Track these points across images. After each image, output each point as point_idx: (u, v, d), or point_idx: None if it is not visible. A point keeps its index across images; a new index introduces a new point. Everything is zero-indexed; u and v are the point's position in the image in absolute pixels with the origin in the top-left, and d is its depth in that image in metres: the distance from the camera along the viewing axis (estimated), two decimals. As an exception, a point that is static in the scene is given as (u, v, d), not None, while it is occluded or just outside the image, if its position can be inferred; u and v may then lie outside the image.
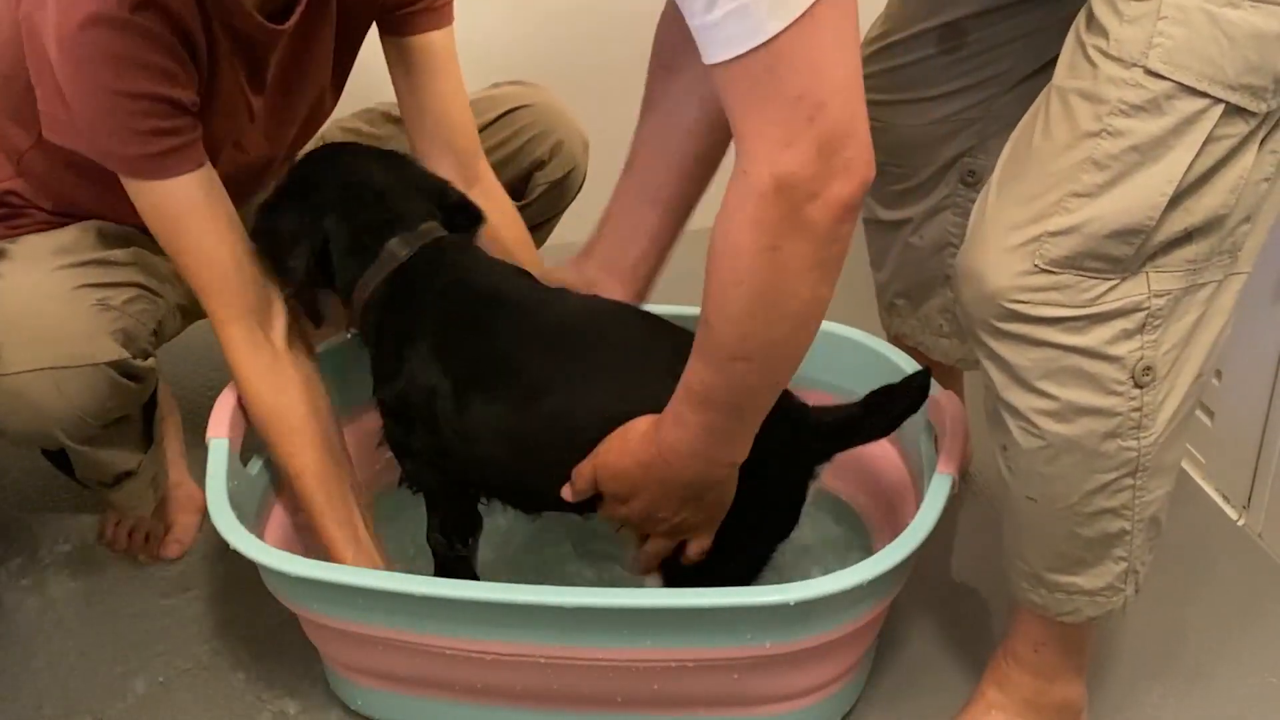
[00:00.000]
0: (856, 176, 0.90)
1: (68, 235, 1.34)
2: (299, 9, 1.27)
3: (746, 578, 1.25)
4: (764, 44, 0.86)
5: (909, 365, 1.39)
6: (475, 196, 1.38)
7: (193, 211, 1.24)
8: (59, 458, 1.40)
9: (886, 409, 1.19)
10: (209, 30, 1.22)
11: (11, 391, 1.23)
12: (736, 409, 1.05)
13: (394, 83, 1.42)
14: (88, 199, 1.34)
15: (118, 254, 1.33)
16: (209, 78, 1.25)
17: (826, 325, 1.43)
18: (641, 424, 1.12)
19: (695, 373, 1.03)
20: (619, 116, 1.33)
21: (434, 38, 1.39)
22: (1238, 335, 1.50)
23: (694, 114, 1.23)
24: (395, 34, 1.39)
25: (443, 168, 1.39)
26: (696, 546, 1.19)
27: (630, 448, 1.12)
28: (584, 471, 1.16)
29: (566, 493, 1.18)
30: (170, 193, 1.23)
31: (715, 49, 0.89)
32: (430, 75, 1.40)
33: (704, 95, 1.19)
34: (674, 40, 1.20)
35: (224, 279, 1.27)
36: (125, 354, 1.27)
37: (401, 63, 1.40)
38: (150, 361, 1.32)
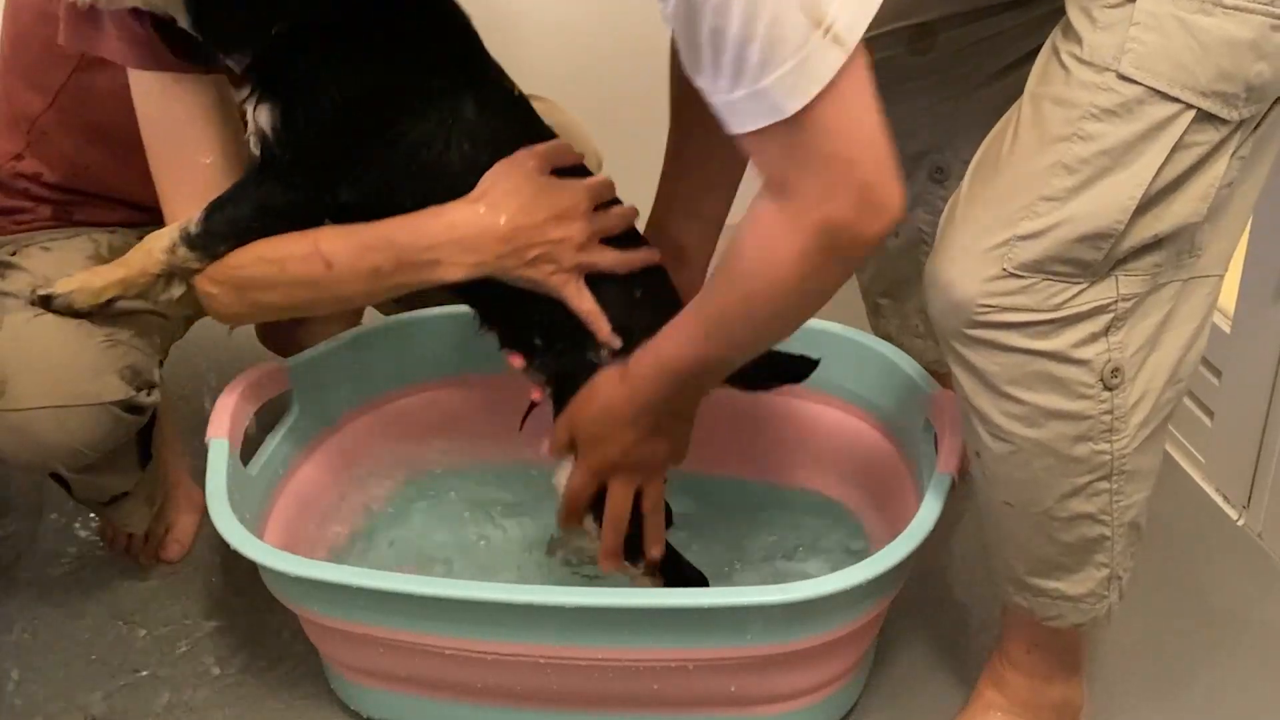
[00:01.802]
0: (888, 215, 0.94)
1: (77, 255, 1.32)
2: None
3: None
4: (786, 119, 0.89)
5: (908, 364, 1.40)
6: None
7: (203, 114, 1.18)
8: (57, 475, 1.39)
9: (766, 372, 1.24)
10: None
11: (15, 426, 1.23)
12: (716, 366, 1.13)
13: None
14: (99, 166, 1.32)
15: None
16: None
17: (831, 326, 1.45)
18: (608, 371, 1.17)
19: (686, 337, 1.09)
20: (630, 130, 1.31)
21: None
22: (1238, 335, 1.51)
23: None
24: None
25: None
26: (649, 501, 1.21)
27: (596, 393, 1.17)
28: (559, 425, 1.21)
29: (545, 449, 1.23)
30: (181, 89, 1.17)
31: (736, 122, 0.92)
32: None
33: None
34: None
35: (205, 193, 1.18)
36: (130, 391, 1.27)
37: None
38: (154, 395, 1.31)
